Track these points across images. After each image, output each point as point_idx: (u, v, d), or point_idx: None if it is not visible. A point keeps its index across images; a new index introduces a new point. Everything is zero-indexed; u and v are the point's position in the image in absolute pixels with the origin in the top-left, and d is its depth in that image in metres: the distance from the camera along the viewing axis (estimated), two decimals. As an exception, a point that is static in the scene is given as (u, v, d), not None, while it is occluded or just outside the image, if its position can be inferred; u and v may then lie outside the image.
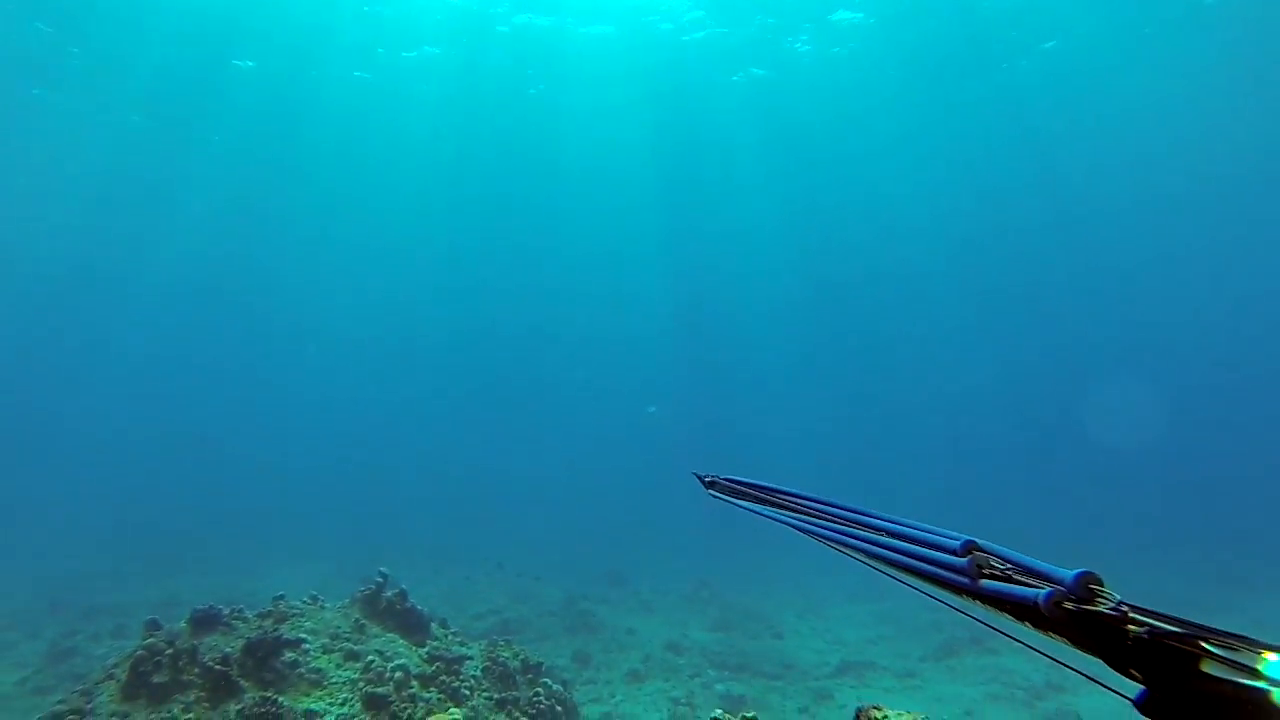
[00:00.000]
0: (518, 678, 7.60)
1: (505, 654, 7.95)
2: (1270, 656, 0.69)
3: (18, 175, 31.18)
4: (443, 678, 6.93)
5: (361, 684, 6.46)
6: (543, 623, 15.47)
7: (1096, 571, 0.87)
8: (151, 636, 6.39)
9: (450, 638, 8.00)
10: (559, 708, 7.11)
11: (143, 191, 33.36)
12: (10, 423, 45.45)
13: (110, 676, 6.37)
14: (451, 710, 4.93)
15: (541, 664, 8.13)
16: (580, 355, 55.25)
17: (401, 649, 7.20)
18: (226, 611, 6.95)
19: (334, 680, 6.45)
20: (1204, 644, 0.73)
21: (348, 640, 6.95)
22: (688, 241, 41.35)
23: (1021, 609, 0.89)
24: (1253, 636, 0.74)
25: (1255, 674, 0.68)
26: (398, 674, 6.56)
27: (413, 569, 19.10)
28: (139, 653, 6.18)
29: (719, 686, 12.39)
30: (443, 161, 32.41)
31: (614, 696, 11.53)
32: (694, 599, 17.99)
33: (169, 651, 6.19)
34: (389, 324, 52.22)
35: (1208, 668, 0.71)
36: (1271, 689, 0.66)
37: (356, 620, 7.28)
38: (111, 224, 36.20)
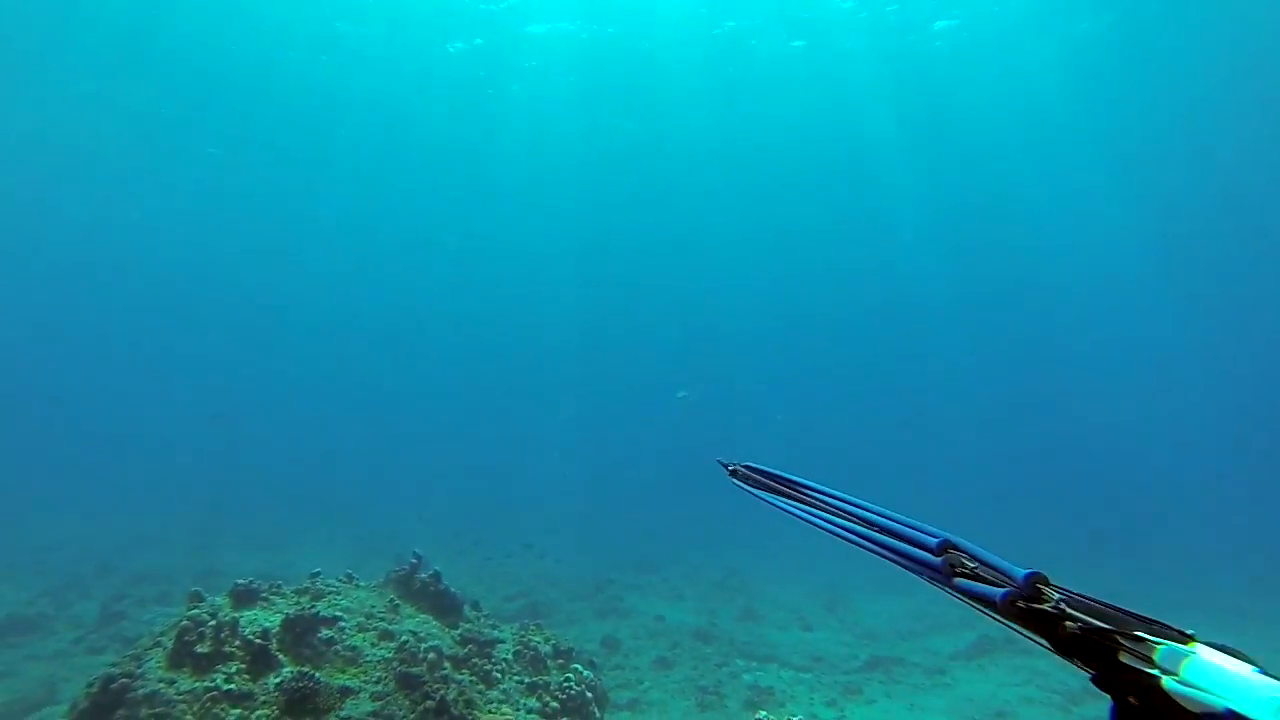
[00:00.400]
0: (549, 663, 7.65)
1: (537, 638, 8.01)
2: (1163, 646, 0.85)
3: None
4: (475, 660, 7.00)
5: (395, 663, 6.55)
6: (572, 607, 15.61)
7: (1044, 571, 1.05)
8: (196, 607, 6.56)
9: (482, 620, 8.08)
10: (589, 694, 7.14)
11: (154, 180, 34.01)
12: (58, 397, 47.37)
13: (158, 644, 6.56)
14: (504, 709, 4.97)
15: (572, 649, 8.18)
16: (608, 346, 55.51)
17: (435, 630, 7.29)
18: (265, 586, 7.10)
19: (369, 659, 6.56)
20: (1119, 638, 0.90)
21: (382, 620, 7.06)
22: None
23: (986, 603, 1.08)
24: (1167, 624, 0.90)
25: (1151, 663, 0.84)
26: (431, 655, 6.65)
27: (440, 548, 19.43)
28: (184, 623, 6.34)
29: (746, 677, 12.36)
30: (452, 159, 32.80)
31: (641, 683, 11.58)
32: (723, 587, 17.98)
33: (212, 623, 6.35)
34: (413, 310, 53.06)
35: (1124, 658, 0.88)
36: (1161, 676, 0.82)
37: (391, 600, 7.39)
38: (129, 216, 37.22)
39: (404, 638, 6.85)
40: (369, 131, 30.51)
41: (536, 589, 16.46)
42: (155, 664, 6.22)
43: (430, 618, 7.56)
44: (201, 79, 26.47)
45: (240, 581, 6.87)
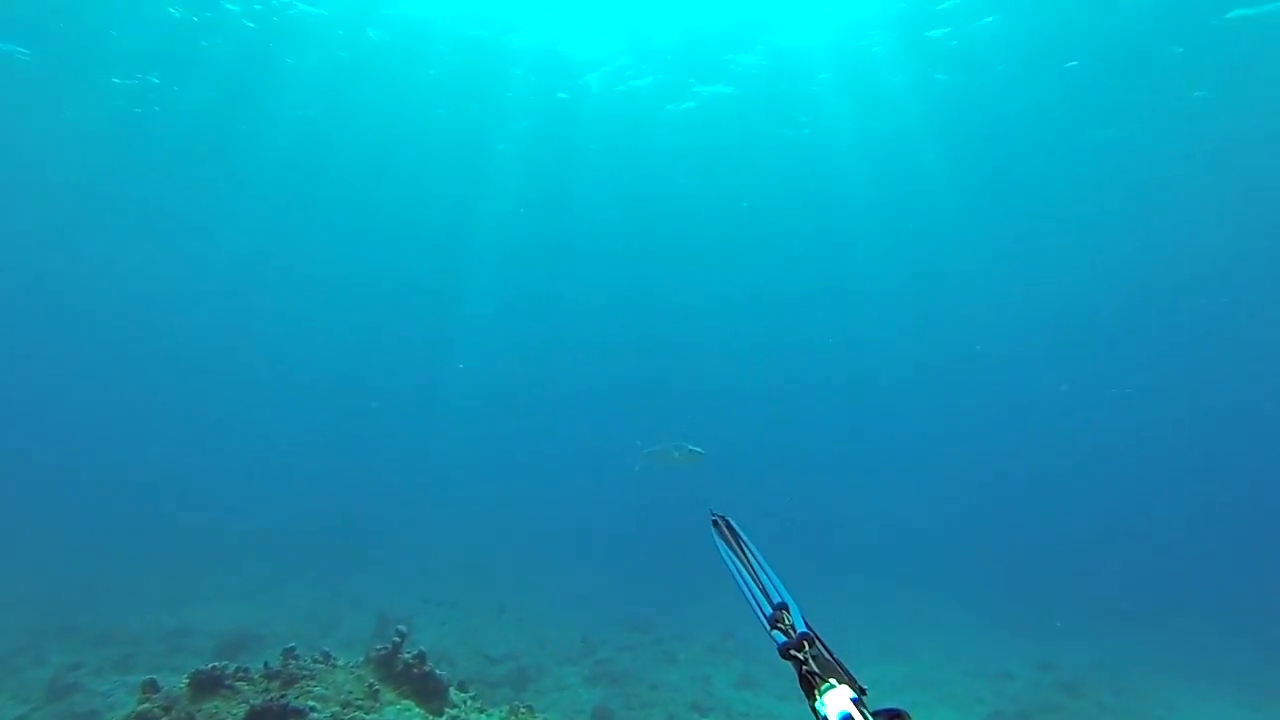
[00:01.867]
0: (540, 754, 6.98)
1: (527, 725, 7.34)
2: (827, 685, 1.34)
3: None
4: (460, 755, 6.34)
5: (372, 762, 5.90)
6: (561, 671, 14.79)
7: (814, 630, 1.52)
8: (147, 700, 5.90)
9: (469, 704, 7.41)
10: (584, 794, 6.47)
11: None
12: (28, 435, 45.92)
13: (103, 740, 5.88)
14: None
15: (565, 737, 7.51)
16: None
17: (417, 718, 6.63)
18: (231, 670, 6.43)
19: (342, 757, 5.90)
20: (817, 679, 1.37)
21: (359, 709, 6.40)
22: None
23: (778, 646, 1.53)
24: (854, 677, 1.37)
25: (820, 694, 1.33)
26: (412, 752, 6.00)
27: (423, 605, 18.57)
28: None
29: (747, 754, 11.62)
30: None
31: (636, 762, 10.82)
32: (718, 650, 17.18)
33: None
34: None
35: (816, 692, 1.34)
36: (817, 701, 1.31)
37: (370, 685, 6.72)
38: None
39: (382, 731, 6.20)
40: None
41: (525, 651, 15.60)
42: (100, 766, 5.55)
43: (413, 704, 6.89)
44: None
45: (202, 668, 6.21)
